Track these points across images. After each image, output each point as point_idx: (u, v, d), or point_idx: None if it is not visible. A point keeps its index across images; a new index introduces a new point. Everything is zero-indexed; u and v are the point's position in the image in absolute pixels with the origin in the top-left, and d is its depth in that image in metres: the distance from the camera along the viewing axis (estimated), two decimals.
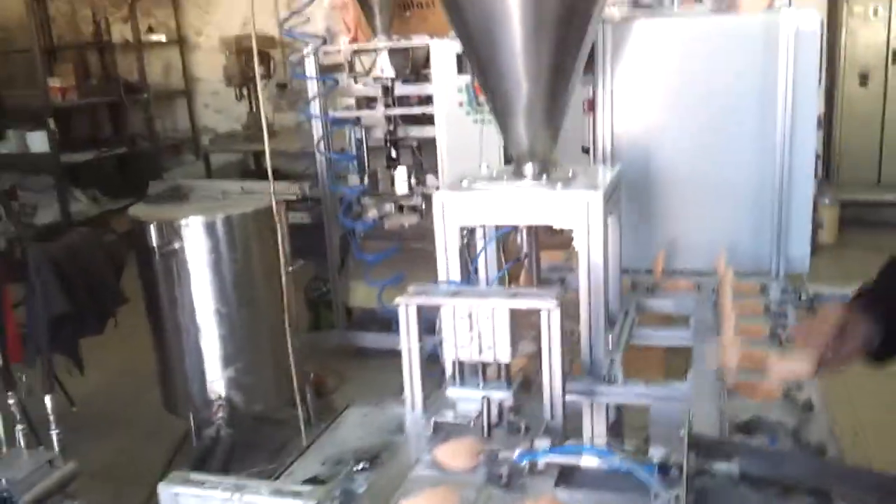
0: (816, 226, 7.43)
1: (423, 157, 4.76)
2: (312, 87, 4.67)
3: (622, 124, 2.75)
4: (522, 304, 1.69)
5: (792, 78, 2.50)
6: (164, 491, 1.61)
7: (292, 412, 3.75)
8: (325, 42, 4.49)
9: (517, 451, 1.44)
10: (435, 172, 4.52)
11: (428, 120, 4.54)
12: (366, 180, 4.56)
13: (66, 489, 2.81)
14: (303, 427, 3.47)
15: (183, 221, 3.61)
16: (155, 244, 3.54)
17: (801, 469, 1.31)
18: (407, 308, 1.75)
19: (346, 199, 3.50)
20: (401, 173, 4.51)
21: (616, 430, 2.19)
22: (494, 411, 1.70)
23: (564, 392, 1.72)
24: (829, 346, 1.51)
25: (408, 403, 1.81)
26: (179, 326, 3.82)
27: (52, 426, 2.88)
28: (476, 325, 1.70)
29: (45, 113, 7.11)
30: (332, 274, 4.91)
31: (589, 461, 1.35)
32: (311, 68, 4.59)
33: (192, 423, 3.87)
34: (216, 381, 3.86)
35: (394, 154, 4.71)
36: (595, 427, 2.10)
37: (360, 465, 1.64)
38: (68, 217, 7.22)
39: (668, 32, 2.65)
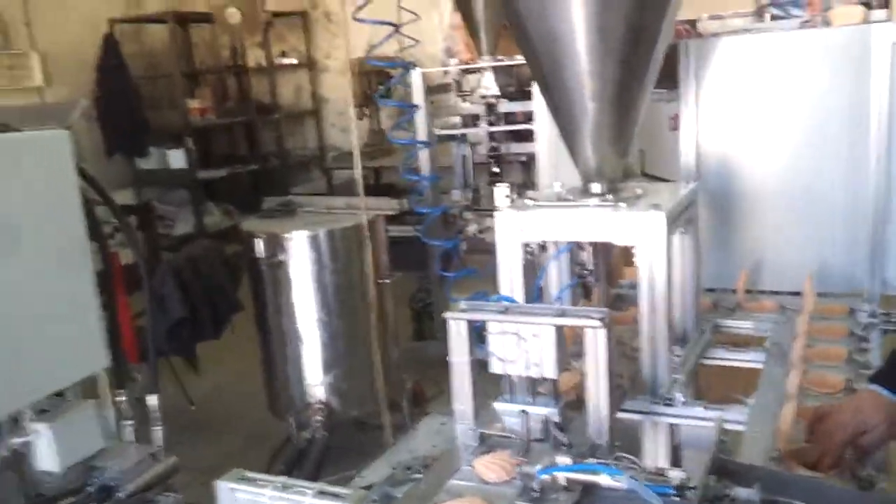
0: None
1: (532, 174, 4.80)
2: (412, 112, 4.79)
3: (708, 141, 2.69)
4: (569, 322, 1.69)
5: (888, 92, 2.36)
6: (222, 486, 1.73)
7: (390, 419, 3.87)
8: (412, 67, 4.58)
9: (537, 466, 1.45)
10: None
11: (532, 136, 4.57)
12: (467, 196, 4.65)
13: (166, 482, 3.03)
14: (392, 434, 3.57)
15: (287, 235, 3.82)
16: (262, 256, 3.76)
17: (837, 500, 1.25)
18: (456, 323, 1.79)
19: (430, 216, 3.59)
20: (501, 189, 4.55)
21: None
22: (538, 427, 1.71)
23: (613, 412, 1.71)
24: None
25: (457, 415, 1.85)
26: (284, 333, 4.03)
27: (158, 423, 3.10)
28: (522, 342, 1.72)
29: (184, 132, 7.67)
30: (433, 286, 5.01)
31: (604, 480, 1.34)
32: (415, 91, 4.71)
33: (292, 426, 4.05)
34: (316, 385, 4.04)
35: (497, 170, 4.77)
36: (655, 447, 2.06)
37: (412, 473, 1.70)
38: (202, 229, 7.73)
39: (755, 48, 2.58)
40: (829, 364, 2.01)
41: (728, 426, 1.83)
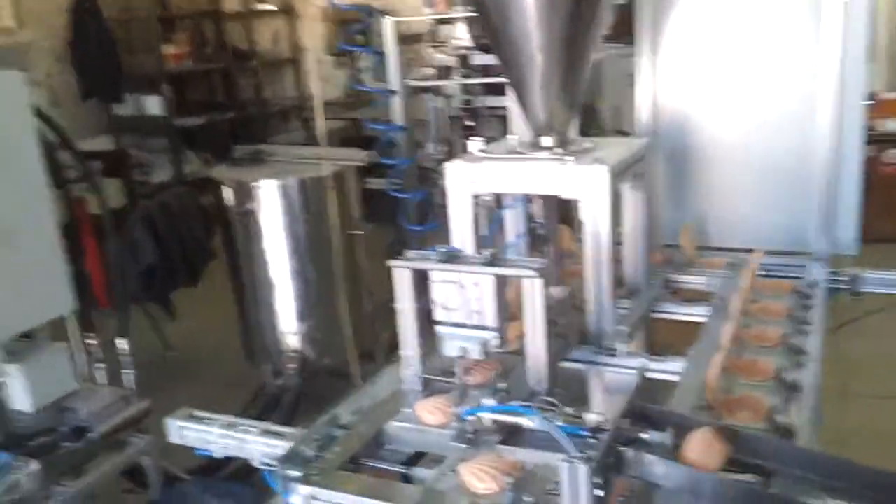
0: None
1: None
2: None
3: (666, 97, 2.72)
4: (506, 272, 1.75)
5: (839, 50, 2.40)
6: (172, 424, 1.81)
7: (366, 368, 3.94)
8: (378, 15, 4.53)
9: (462, 408, 1.52)
10: None
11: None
12: (441, 150, 4.66)
13: (139, 424, 3.11)
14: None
15: (256, 184, 3.85)
16: (231, 204, 3.79)
17: (751, 446, 1.32)
18: (401, 272, 1.84)
19: (398, 169, 3.61)
20: (473, 143, 4.57)
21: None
22: (481, 376, 1.78)
23: (553, 360, 1.78)
24: None
25: (404, 361, 1.91)
26: (257, 282, 4.09)
27: (129, 366, 3.16)
28: (463, 291, 1.78)
29: (160, 78, 7.58)
30: (408, 239, 5.05)
31: (522, 421, 1.42)
32: (386, 40, 4.67)
33: (267, 373, 4.13)
34: (290, 334, 4.11)
35: (471, 123, 4.78)
36: (599, 396, 2.14)
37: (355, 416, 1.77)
38: (180, 177, 7.71)
39: (712, 2, 2.59)
40: (771, 319, 2.08)
41: (666, 377, 1.90)
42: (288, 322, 4.07)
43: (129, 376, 3.24)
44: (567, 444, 1.26)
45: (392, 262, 1.85)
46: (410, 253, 1.87)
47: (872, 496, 1.19)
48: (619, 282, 2.42)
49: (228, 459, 1.92)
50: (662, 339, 2.59)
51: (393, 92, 4.21)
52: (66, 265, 2.95)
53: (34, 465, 2.64)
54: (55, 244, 2.91)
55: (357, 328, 3.95)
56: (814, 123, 2.51)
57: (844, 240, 2.57)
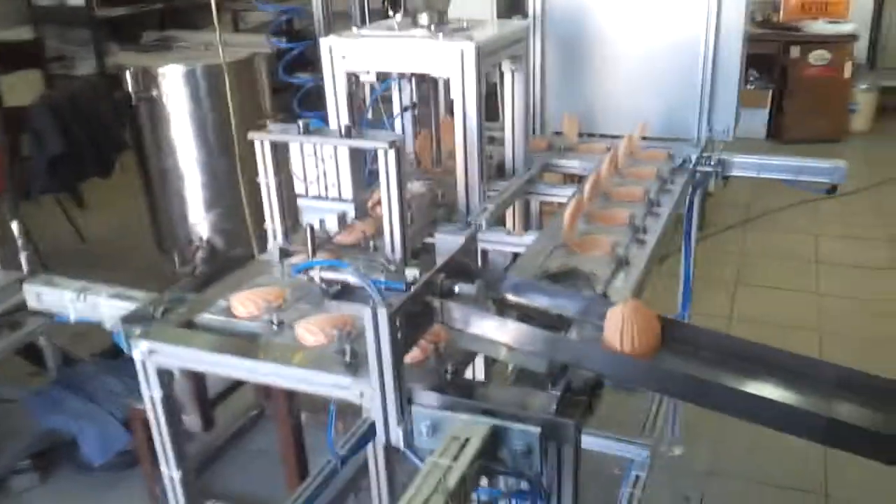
0: (847, 110, 7.17)
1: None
2: None
3: None
4: (361, 144, 1.78)
5: None
6: (28, 289, 1.83)
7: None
8: None
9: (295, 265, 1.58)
10: None
11: None
12: None
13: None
14: None
15: (161, 70, 3.76)
16: (132, 91, 3.70)
17: (553, 299, 1.41)
18: (262, 144, 1.86)
19: (290, 53, 3.54)
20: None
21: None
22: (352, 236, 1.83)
23: (405, 230, 1.83)
24: None
25: (270, 233, 1.95)
26: (164, 171, 4.04)
27: (21, 250, 3.14)
28: (321, 163, 1.81)
29: None
30: None
31: (341, 275, 1.49)
32: None
33: (175, 262, 4.15)
34: (199, 223, 4.11)
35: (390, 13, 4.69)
36: None
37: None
38: (103, 70, 7.44)
39: None
40: (627, 202, 2.16)
41: (517, 250, 1.98)
42: (196, 212, 4.06)
43: (23, 258, 3.23)
44: (374, 293, 1.33)
45: (252, 134, 1.87)
46: (272, 126, 1.89)
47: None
48: (499, 165, 2.48)
49: None
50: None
51: None
52: None
53: None
54: None
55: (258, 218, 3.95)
56: (698, 13, 2.55)
57: (721, 127, 2.64)
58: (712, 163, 2.50)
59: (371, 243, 1.85)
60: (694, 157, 2.51)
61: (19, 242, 3.19)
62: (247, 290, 1.65)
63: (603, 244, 1.86)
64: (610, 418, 2.87)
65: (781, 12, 7.38)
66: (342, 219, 1.85)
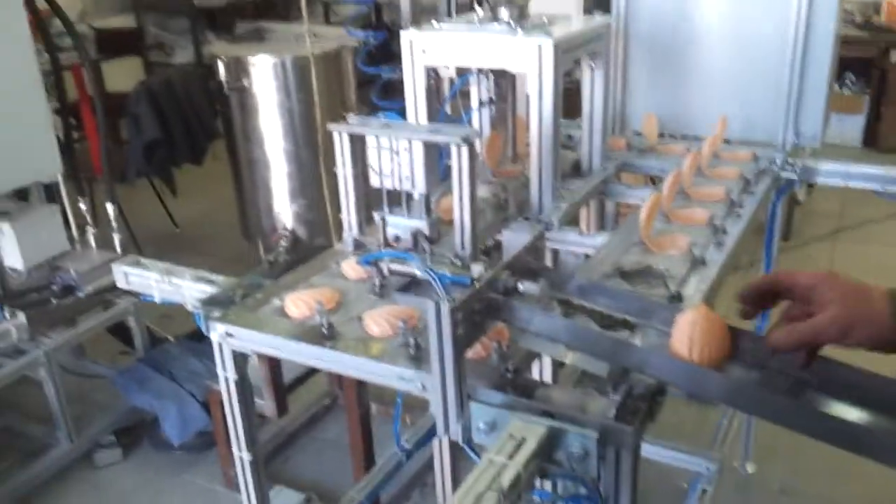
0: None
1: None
2: None
3: None
4: (436, 139, 1.79)
5: None
6: (116, 269, 1.92)
7: None
8: None
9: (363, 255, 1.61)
10: None
11: None
12: None
13: None
14: None
15: (252, 59, 3.87)
16: (224, 80, 3.83)
17: (615, 301, 1.39)
18: (340, 135, 1.90)
19: (369, 43, 3.58)
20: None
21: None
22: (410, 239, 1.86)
23: (475, 226, 1.84)
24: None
25: (345, 224, 1.99)
26: (252, 161, 4.17)
27: (115, 232, 3.31)
28: (395, 157, 1.84)
29: None
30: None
31: (409, 267, 1.50)
32: None
33: (260, 250, 4.27)
34: (283, 212, 4.22)
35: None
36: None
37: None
38: (200, 58, 7.72)
39: None
40: (707, 201, 2.11)
41: (588, 250, 1.97)
42: (281, 201, 4.17)
43: (116, 240, 3.39)
44: (438, 287, 1.34)
45: (331, 126, 1.90)
46: (351, 118, 1.92)
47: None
48: (575, 164, 2.46)
49: None
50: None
51: None
52: (52, 130, 3.07)
53: (21, 318, 2.84)
54: (43, 108, 3.01)
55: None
56: (787, 13, 2.46)
57: (808, 132, 2.54)
58: (797, 169, 2.40)
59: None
60: (779, 161, 2.43)
61: (113, 225, 3.38)
62: (301, 290, 1.68)
63: (680, 243, 1.83)
64: (679, 429, 2.82)
65: (882, 14, 7.02)
66: (416, 235, 1.87)
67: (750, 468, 3.09)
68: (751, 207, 2.08)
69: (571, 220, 2.23)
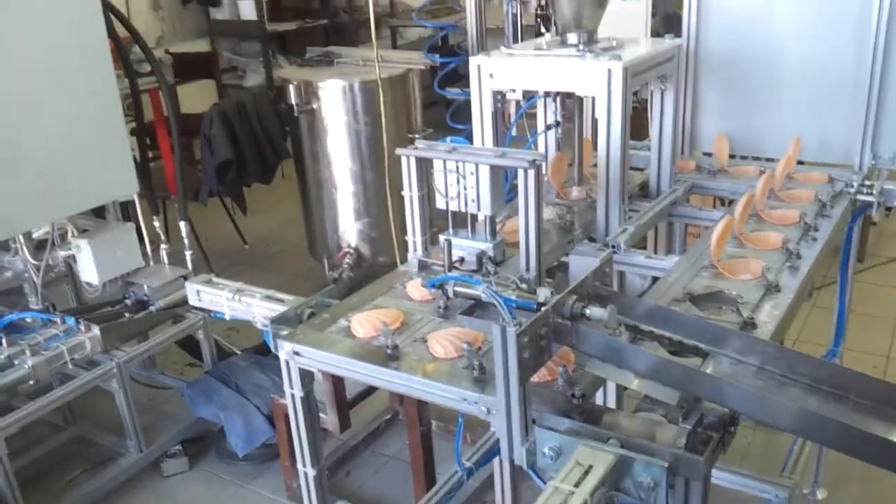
0: None
1: None
2: None
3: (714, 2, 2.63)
4: (503, 163, 1.80)
5: None
6: (189, 287, 1.98)
7: None
8: None
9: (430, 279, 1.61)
10: None
11: None
12: None
13: None
14: None
15: (321, 83, 3.95)
16: (294, 103, 3.92)
17: (685, 328, 1.36)
18: (409, 159, 1.92)
19: (447, 67, 3.63)
20: None
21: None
22: (473, 259, 1.86)
23: (540, 249, 1.83)
24: None
25: (410, 245, 2.01)
26: (319, 181, 4.25)
27: (187, 249, 3.40)
28: (462, 180, 1.85)
29: None
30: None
31: (474, 290, 1.50)
32: None
33: (325, 267, 4.34)
34: (348, 231, 4.28)
35: (544, 30, 4.71)
36: None
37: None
38: (271, 81, 7.92)
39: None
40: (781, 225, 2.06)
41: (656, 273, 1.94)
42: (346, 220, 4.23)
43: (188, 257, 3.49)
44: (504, 311, 1.34)
45: (399, 150, 1.93)
46: (419, 142, 1.94)
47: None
48: (643, 185, 2.43)
49: None
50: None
51: None
52: (129, 150, 3.18)
53: (96, 330, 2.94)
54: (120, 128, 3.13)
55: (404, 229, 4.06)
56: (864, 35, 2.39)
57: (887, 153, 2.46)
58: (875, 192, 2.33)
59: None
60: (856, 184, 2.35)
61: (185, 242, 3.48)
62: (367, 311, 1.69)
63: (752, 268, 1.79)
64: (748, 454, 2.73)
65: None
66: (480, 257, 1.87)
67: (820, 494, 2.98)
68: (826, 231, 2.02)
69: (638, 242, 2.20)
